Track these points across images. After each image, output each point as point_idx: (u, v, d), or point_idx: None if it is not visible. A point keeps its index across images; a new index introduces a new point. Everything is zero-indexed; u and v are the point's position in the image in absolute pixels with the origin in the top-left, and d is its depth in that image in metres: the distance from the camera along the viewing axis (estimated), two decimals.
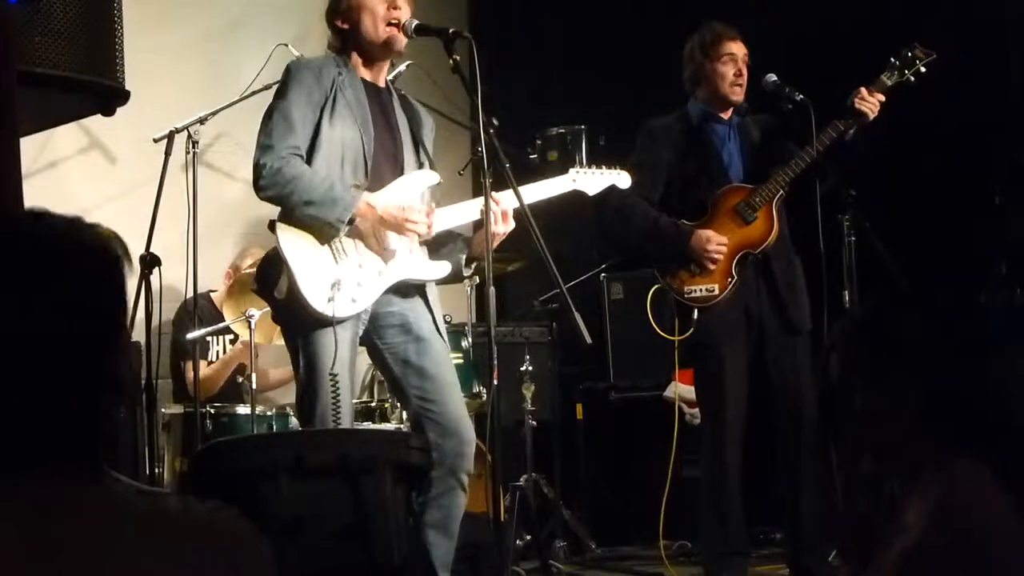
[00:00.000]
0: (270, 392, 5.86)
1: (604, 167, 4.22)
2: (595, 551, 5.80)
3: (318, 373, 3.67)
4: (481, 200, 3.68)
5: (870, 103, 4.42)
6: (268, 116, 3.78)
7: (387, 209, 3.74)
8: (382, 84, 3.96)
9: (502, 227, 3.72)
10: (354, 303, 3.71)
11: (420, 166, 3.94)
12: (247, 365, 5.04)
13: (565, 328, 5.57)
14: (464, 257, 3.96)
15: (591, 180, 4.17)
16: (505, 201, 3.72)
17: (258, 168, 3.70)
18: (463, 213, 3.91)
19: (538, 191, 4.00)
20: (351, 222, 3.69)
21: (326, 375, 3.65)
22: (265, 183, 3.70)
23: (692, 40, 4.67)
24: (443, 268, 3.91)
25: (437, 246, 3.95)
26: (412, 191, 3.87)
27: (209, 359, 5.66)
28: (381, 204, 3.74)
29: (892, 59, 4.52)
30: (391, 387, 4.13)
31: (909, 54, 4.51)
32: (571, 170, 4.15)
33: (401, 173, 3.89)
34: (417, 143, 3.96)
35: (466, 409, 3.95)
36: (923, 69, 4.50)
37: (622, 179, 4.26)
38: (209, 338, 5.56)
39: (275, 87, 3.95)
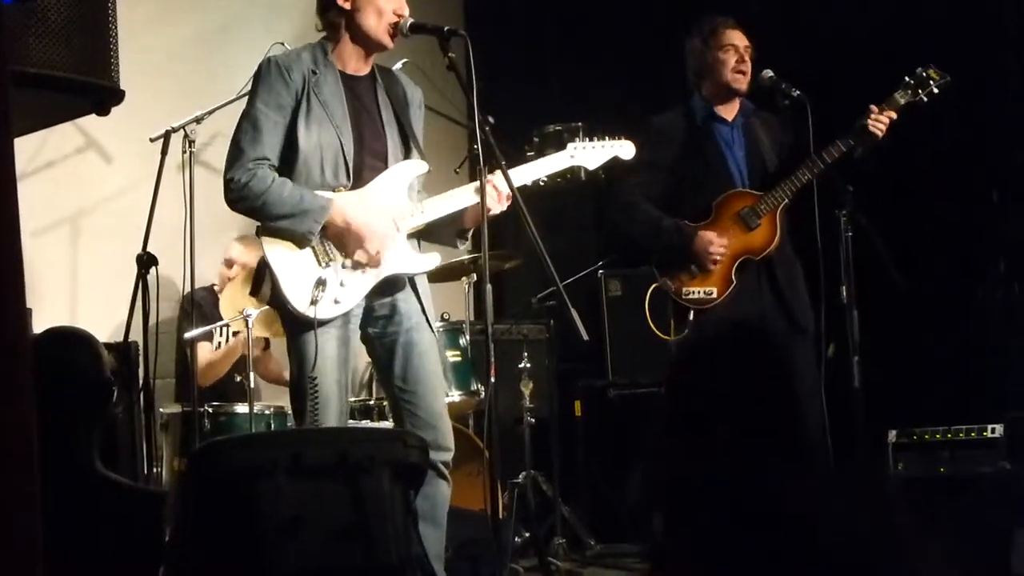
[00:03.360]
0: (275, 385, 5.86)
1: (606, 138, 4.07)
2: (594, 548, 5.80)
3: (304, 374, 3.69)
4: (473, 185, 3.67)
5: (881, 122, 4.43)
6: (238, 125, 3.78)
7: (357, 227, 3.71)
8: (366, 71, 3.90)
9: (498, 207, 3.73)
10: (337, 304, 3.71)
11: (408, 154, 3.90)
12: (248, 358, 5.04)
13: (563, 325, 5.55)
14: (455, 232, 3.93)
15: (590, 154, 4.04)
16: (498, 180, 3.72)
17: (226, 183, 3.73)
18: (456, 201, 3.86)
19: (536, 169, 3.94)
20: (324, 229, 3.70)
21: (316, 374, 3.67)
22: (234, 197, 3.74)
23: (692, 34, 4.67)
24: (431, 260, 3.89)
25: (433, 229, 3.92)
26: (396, 186, 3.84)
27: (214, 346, 5.67)
28: (351, 217, 3.71)
29: (906, 78, 4.51)
30: (377, 376, 4.12)
31: (924, 74, 4.50)
32: (569, 144, 4.03)
33: (387, 167, 3.84)
34: (404, 130, 3.90)
35: (445, 401, 3.94)
36: (936, 91, 4.49)
37: (624, 149, 4.10)
38: (214, 330, 5.57)
39: None
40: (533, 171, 3.93)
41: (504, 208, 3.77)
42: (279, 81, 3.75)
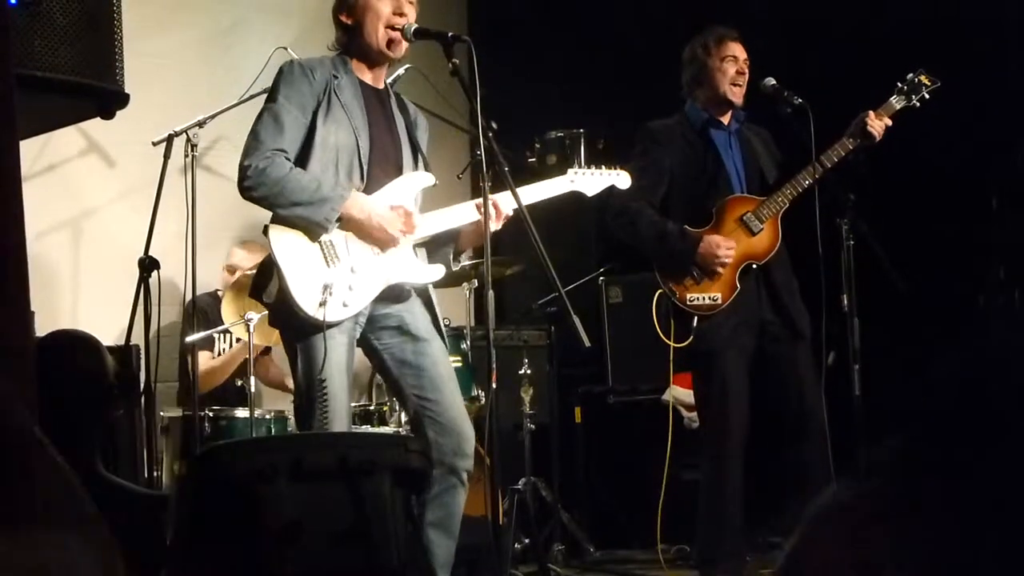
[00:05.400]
0: (276, 390, 5.86)
1: (603, 167, 4.18)
2: (593, 555, 5.80)
3: (312, 377, 3.67)
4: (475, 201, 3.70)
5: (877, 126, 4.47)
6: (259, 117, 3.78)
7: (377, 215, 3.72)
8: (381, 86, 3.96)
9: (493, 224, 3.71)
10: (345, 307, 3.70)
11: (417, 168, 3.94)
12: (248, 363, 5.05)
13: (564, 331, 5.58)
14: (451, 252, 3.96)
15: (589, 181, 4.14)
16: (499, 200, 3.73)
17: (243, 169, 3.69)
18: (457, 215, 3.89)
19: (536, 192, 3.99)
20: (339, 219, 3.70)
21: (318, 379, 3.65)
22: (250, 183, 3.69)
23: (694, 41, 4.69)
24: (438, 271, 3.90)
25: (433, 246, 3.96)
26: (406, 193, 3.86)
27: (214, 353, 5.67)
28: (370, 207, 3.72)
29: (899, 84, 4.58)
30: (390, 388, 4.13)
31: (916, 80, 4.57)
32: (569, 171, 4.13)
33: (399, 175, 3.88)
34: (414, 145, 3.96)
35: (464, 407, 3.94)
36: (928, 96, 4.55)
37: (621, 179, 4.22)
38: (215, 335, 5.58)
39: None
40: (533, 194, 3.98)
41: (499, 227, 3.79)
42: (303, 80, 3.76)
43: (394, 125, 3.92)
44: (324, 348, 3.63)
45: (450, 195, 4.81)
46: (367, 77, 3.90)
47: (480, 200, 3.62)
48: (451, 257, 3.97)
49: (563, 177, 4.10)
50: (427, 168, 3.97)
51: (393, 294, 3.82)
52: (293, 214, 3.68)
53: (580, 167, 4.16)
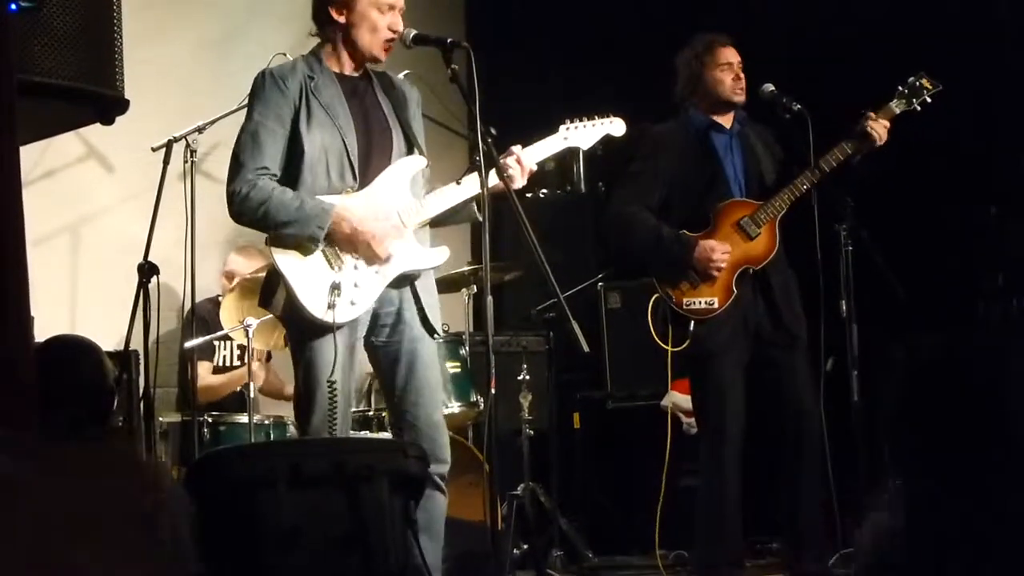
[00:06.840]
0: (277, 400, 5.85)
1: (596, 117, 4.05)
2: (592, 560, 5.79)
3: (316, 379, 3.68)
4: (472, 177, 3.70)
5: (877, 129, 4.46)
6: (238, 138, 3.78)
7: (363, 231, 3.71)
8: (360, 72, 3.90)
9: (520, 181, 3.78)
10: (353, 306, 3.71)
11: (410, 150, 3.90)
12: (248, 370, 5.05)
13: (562, 337, 5.56)
14: (475, 205, 3.90)
15: (583, 134, 4.03)
16: (521, 155, 3.78)
17: (229, 197, 3.74)
18: (463, 191, 3.85)
19: (532, 154, 3.93)
20: (330, 235, 3.69)
21: (324, 381, 3.66)
22: (237, 211, 3.75)
23: (684, 52, 4.69)
24: (441, 254, 3.89)
25: (449, 214, 3.92)
26: (399, 182, 3.83)
27: (215, 362, 5.67)
28: (356, 221, 3.71)
29: (900, 87, 4.56)
30: (379, 384, 4.11)
31: (917, 83, 4.56)
32: (561, 127, 4.02)
33: (391, 164, 3.84)
34: (405, 128, 3.91)
35: (443, 413, 3.93)
36: (929, 100, 4.54)
37: (615, 126, 4.09)
38: (215, 343, 5.57)
39: None
40: (530, 155, 3.92)
41: (524, 182, 3.78)
42: (275, 91, 3.75)
43: (381, 113, 3.88)
44: (335, 350, 3.64)
45: None
46: (346, 68, 3.86)
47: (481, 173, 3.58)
48: (475, 210, 3.90)
49: (556, 135, 4.01)
50: (420, 148, 3.91)
51: (395, 285, 3.82)
52: (282, 233, 3.70)
53: (571, 120, 4.02)
